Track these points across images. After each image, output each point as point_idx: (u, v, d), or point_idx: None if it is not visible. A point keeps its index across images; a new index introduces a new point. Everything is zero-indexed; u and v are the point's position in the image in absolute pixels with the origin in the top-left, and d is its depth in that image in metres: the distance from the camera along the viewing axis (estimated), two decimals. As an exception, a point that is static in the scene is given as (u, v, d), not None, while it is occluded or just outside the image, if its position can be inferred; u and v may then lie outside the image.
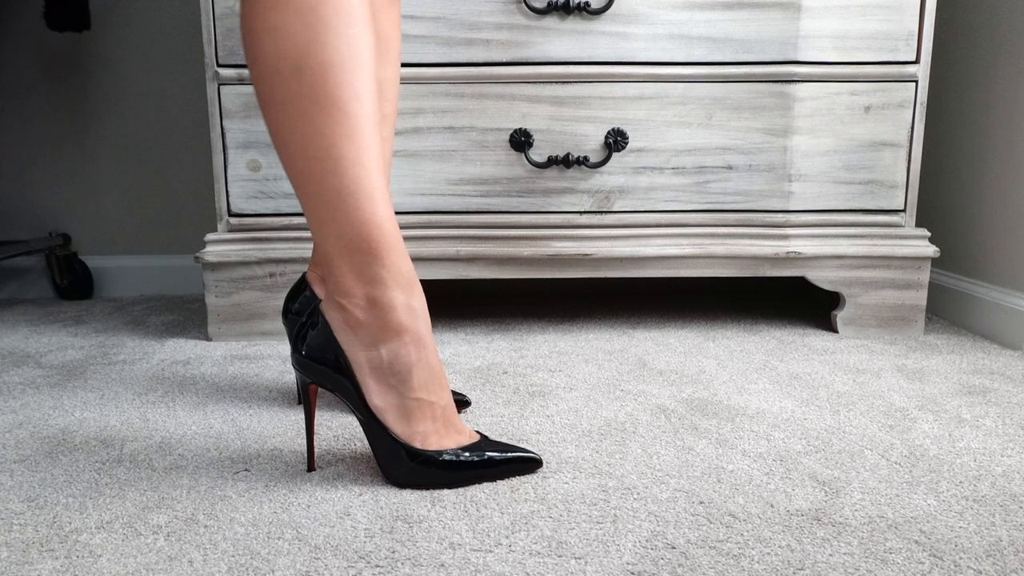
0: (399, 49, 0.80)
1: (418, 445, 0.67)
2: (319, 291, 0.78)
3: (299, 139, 0.64)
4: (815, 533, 0.60)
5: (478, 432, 0.72)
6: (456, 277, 1.17)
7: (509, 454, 0.69)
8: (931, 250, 1.16)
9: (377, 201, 0.65)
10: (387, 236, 0.65)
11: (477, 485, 0.68)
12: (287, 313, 0.79)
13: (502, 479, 0.69)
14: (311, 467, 0.71)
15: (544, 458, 0.74)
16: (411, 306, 0.67)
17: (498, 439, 0.78)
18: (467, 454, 0.68)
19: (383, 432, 0.67)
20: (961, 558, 0.56)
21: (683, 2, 1.11)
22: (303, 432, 0.81)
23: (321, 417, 0.85)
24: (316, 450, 0.76)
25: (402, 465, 0.67)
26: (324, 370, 0.68)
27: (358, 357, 0.67)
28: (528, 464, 0.70)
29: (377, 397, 0.67)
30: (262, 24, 0.62)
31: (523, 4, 1.11)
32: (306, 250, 1.15)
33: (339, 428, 0.82)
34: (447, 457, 0.67)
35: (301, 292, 0.78)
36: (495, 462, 0.69)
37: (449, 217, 1.16)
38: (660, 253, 1.16)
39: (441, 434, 0.68)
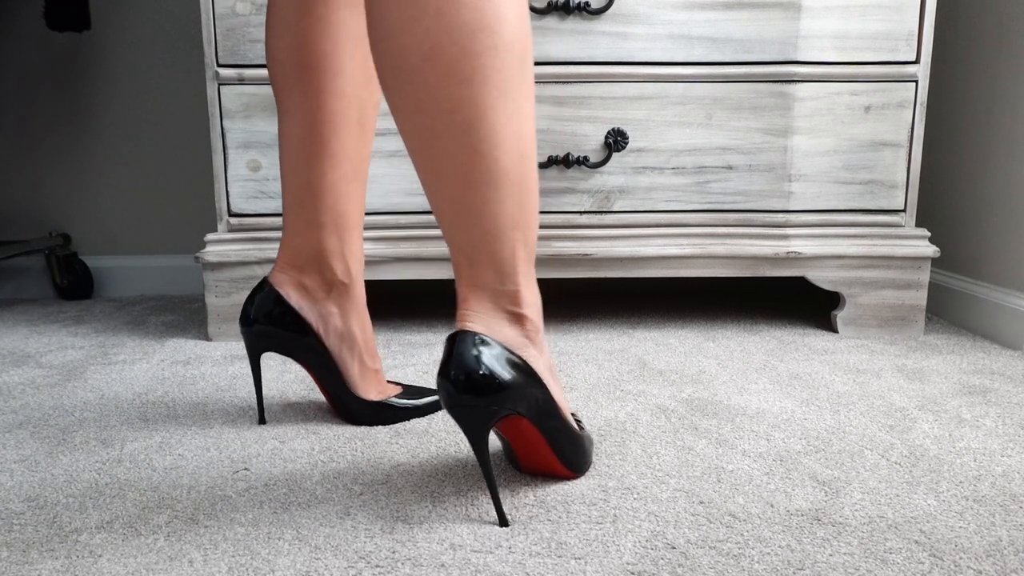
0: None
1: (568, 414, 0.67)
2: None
3: (505, 125, 0.57)
4: (815, 533, 0.60)
5: None
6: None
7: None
8: (931, 250, 1.16)
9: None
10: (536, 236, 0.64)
11: (478, 486, 0.68)
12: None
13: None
14: (503, 522, 0.62)
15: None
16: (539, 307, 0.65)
17: None
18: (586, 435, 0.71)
19: (571, 430, 0.66)
20: (961, 558, 0.56)
21: (683, 2, 1.11)
22: (302, 431, 0.81)
23: (321, 416, 0.85)
24: (315, 449, 0.76)
25: (586, 452, 0.69)
26: (521, 402, 0.60)
27: (540, 364, 0.62)
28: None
29: (560, 397, 0.64)
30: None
31: (523, 4, 1.11)
32: (306, 250, 1.15)
33: (339, 428, 0.82)
34: (585, 433, 0.70)
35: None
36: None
37: (449, 217, 1.16)
38: (660, 253, 1.16)
39: None
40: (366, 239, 1.16)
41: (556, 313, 1.35)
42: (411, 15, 0.54)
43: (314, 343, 0.79)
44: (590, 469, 0.71)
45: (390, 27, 0.56)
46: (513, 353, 0.59)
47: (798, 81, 1.13)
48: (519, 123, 0.57)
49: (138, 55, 1.52)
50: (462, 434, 0.80)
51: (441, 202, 0.59)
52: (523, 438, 0.64)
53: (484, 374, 0.56)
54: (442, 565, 0.56)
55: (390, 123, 1.14)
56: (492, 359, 0.57)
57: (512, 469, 0.71)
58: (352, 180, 0.78)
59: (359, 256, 0.81)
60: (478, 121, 0.56)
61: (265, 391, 0.94)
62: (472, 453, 0.74)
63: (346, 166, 0.77)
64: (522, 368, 0.59)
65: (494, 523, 0.61)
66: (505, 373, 0.57)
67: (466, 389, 0.56)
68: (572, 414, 0.70)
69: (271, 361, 1.07)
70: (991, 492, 0.67)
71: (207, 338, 1.19)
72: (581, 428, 0.70)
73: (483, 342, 0.57)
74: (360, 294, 0.81)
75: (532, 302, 0.62)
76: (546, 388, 0.61)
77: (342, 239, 0.79)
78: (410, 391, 0.87)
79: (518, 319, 0.61)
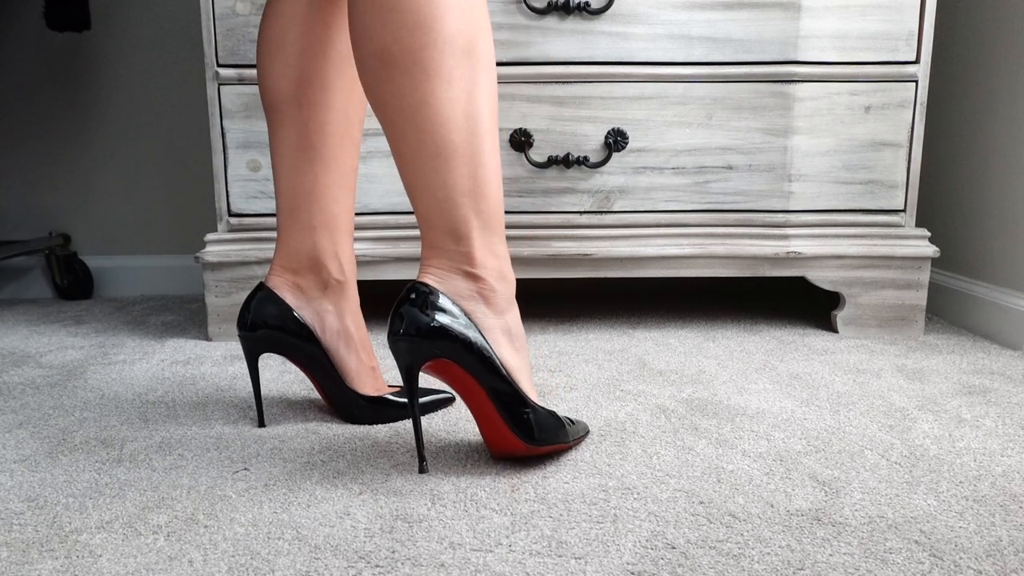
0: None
1: (539, 401, 0.71)
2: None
3: (448, 107, 0.64)
4: (815, 533, 0.60)
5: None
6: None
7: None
8: (931, 250, 1.16)
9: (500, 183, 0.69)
10: (502, 217, 0.70)
11: (477, 484, 0.68)
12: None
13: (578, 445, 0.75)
14: (422, 466, 0.71)
15: (544, 458, 0.74)
16: (511, 279, 0.70)
17: None
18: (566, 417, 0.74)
19: (522, 397, 0.68)
20: (961, 558, 0.56)
21: (683, 2, 1.11)
22: (302, 431, 0.81)
23: (321, 416, 0.85)
24: (315, 449, 0.76)
25: (538, 421, 0.69)
26: (451, 345, 0.66)
27: (490, 323, 0.67)
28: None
29: (511, 360, 0.68)
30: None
31: (523, 4, 1.11)
32: (306, 250, 1.15)
33: (339, 428, 0.82)
34: (560, 415, 0.73)
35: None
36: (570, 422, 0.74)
37: (449, 217, 1.16)
38: (660, 253, 1.16)
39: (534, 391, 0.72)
40: (366, 239, 1.16)
41: (556, 313, 1.35)
42: (367, 25, 0.64)
43: (312, 343, 0.80)
44: (589, 467, 0.71)
45: (356, 40, 0.66)
46: (456, 304, 0.66)
47: (798, 81, 1.13)
48: (467, 105, 0.65)
49: (138, 55, 1.52)
50: (462, 434, 0.80)
51: (405, 178, 0.68)
52: (468, 393, 0.68)
53: (420, 315, 0.65)
54: (442, 564, 0.56)
55: (390, 123, 1.14)
56: (430, 304, 0.65)
57: (507, 466, 0.71)
58: (342, 185, 0.82)
59: (351, 256, 0.84)
60: (422, 105, 0.64)
61: (265, 391, 0.94)
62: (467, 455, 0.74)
63: (337, 171, 0.81)
64: (459, 318, 0.66)
65: (494, 522, 0.61)
66: (441, 318, 0.65)
67: (402, 326, 0.65)
68: (568, 419, 0.74)
69: (271, 361, 1.07)
70: (991, 492, 0.67)
71: (207, 338, 1.19)
72: (572, 423, 0.75)
73: (428, 290, 0.66)
74: (354, 293, 0.84)
75: (492, 266, 0.68)
76: (486, 344, 0.66)
77: (335, 240, 0.82)
78: None
79: (471, 277, 0.67)
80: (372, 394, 0.83)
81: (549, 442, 0.71)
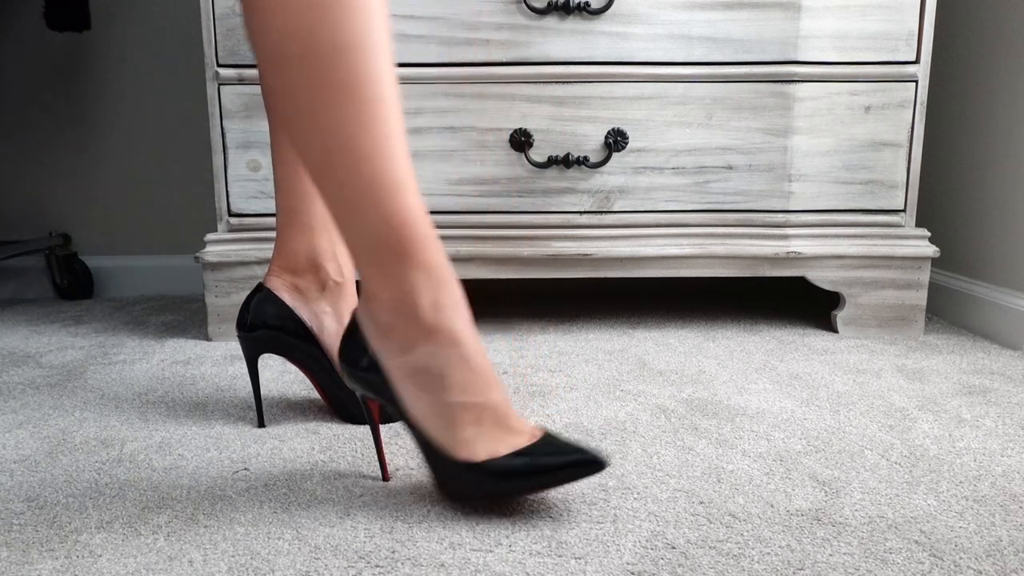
0: None
1: (464, 454, 0.60)
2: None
3: (313, 131, 0.59)
4: (815, 533, 0.60)
5: (541, 429, 0.64)
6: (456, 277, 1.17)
7: (566, 458, 0.60)
8: (931, 250, 1.16)
9: (402, 194, 0.60)
10: (413, 230, 0.60)
11: (477, 485, 0.68)
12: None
13: (566, 483, 0.61)
14: (385, 477, 0.69)
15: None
16: (439, 303, 0.61)
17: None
18: (520, 460, 0.60)
19: (427, 443, 0.62)
20: (961, 558, 0.56)
21: (683, 2, 1.11)
22: (302, 431, 0.81)
23: (321, 416, 0.85)
24: (315, 449, 0.76)
25: (450, 476, 0.62)
26: (373, 379, 0.64)
27: (391, 364, 0.62)
28: (588, 467, 0.60)
29: (414, 406, 0.62)
30: (263, 3, 0.58)
31: (523, 4, 1.11)
32: (306, 250, 1.15)
33: (339, 428, 0.82)
34: (496, 466, 0.60)
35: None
36: (550, 468, 0.60)
37: (449, 217, 1.16)
38: (660, 253, 1.16)
39: (491, 438, 0.61)
40: (366, 239, 1.16)
41: (556, 313, 1.35)
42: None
43: (311, 343, 0.80)
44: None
45: None
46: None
47: (798, 81, 1.13)
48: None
49: (138, 55, 1.52)
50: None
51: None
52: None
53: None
54: (442, 564, 0.56)
55: (390, 123, 1.14)
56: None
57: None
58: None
59: (349, 258, 0.82)
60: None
61: (265, 391, 0.94)
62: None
63: None
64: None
65: (494, 522, 0.61)
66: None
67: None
68: (545, 432, 0.64)
69: (271, 361, 1.07)
70: (991, 492, 0.67)
71: (207, 338, 1.19)
72: (549, 439, 0.63)
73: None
74: (352, 293, 0.82)
75: (385, 298, 0.62)
76: (390, 388, 0.63)
77: (333, 241, 0.81)
78: None
79: (368, 313, 0.64)
80: None
81: (466, 492, 0.63)
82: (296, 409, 0.88)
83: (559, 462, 0.60)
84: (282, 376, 1.00)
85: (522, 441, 0.62)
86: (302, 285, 0.81)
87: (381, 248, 0.61)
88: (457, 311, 0.62)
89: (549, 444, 0.62)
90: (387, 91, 0.59)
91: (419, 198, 0.61)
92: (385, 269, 0.61)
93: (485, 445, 0.61)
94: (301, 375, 1.00)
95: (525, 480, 0.60)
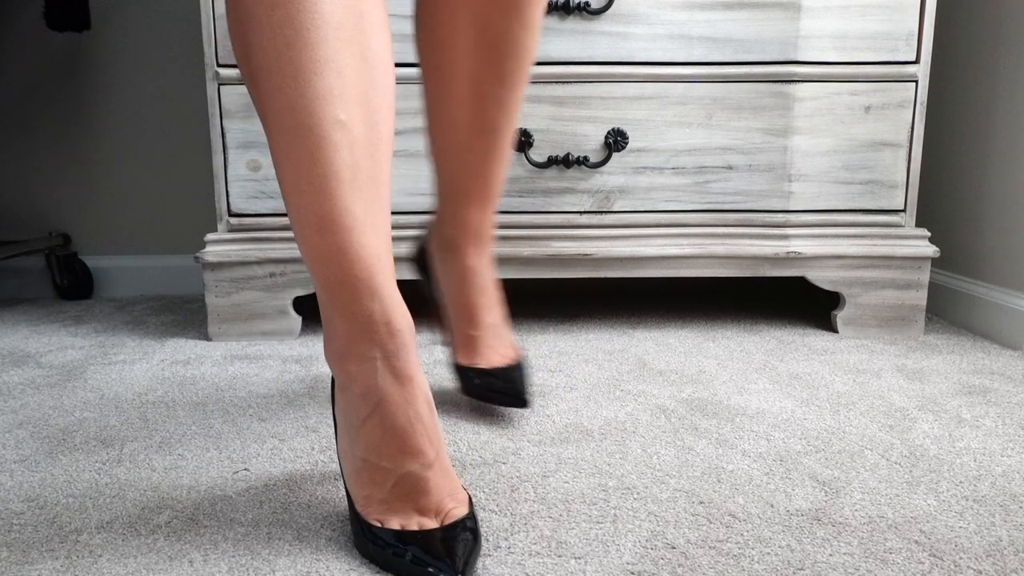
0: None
1: (359, 507, 0.57)
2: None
3: (275, 159, 0.56)
4: (815, 533, 0.60)
5: (466, 520, 0.56)
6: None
7: (417, 568, 0.53)
8: (931, 250, 1.16)
9: (330, 232, 0.54)
10: (340, 272, 0.54)
11: (477, 485, 0.68)
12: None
13: None
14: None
15: (544, 458, 0.74)
16: (365, 355, 0.56)
17: (497, 457, 0.78)
18: (393, 548, 0.54)
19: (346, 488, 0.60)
20: (961, 558, 0.56)
21: (683, 2, 1.11)
22: (302, 431, 0.81)
23: (321, 415, 0.85)
24: (315, 449, 0.76)
25: (350, 514, 0.59)
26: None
27: (337, 397, 0.60)
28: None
29: (341, 441, 0.59)
30: (230, 22, 0.56)
31: (523, 4, 1.11)
32: (306, 250, 1.15)
33: (339, 428, 0.82)
34: (371, 535, 0.56)
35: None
36: (397, 569, 0.54)
37: (449, 217, 1.16)
38: (660, 253, 1.16)
39: (390, 506, 0.56)
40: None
41: (556, 313, 1.35)
42: None
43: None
44: (589, 467, 0.71)
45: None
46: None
47: (798, 81, 1.13)
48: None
49: (138, 55, 1.52)
50: (461, 433, 0.80)
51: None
52: None
53: None
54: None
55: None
56: None
57: (506, 467, 0.71)
58: (464, 149, 0.80)
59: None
60: None
61: (265, 391, 0.94)
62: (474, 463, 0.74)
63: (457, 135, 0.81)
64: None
65: (494, 523, 0.61)
66: None
67: None
68: (459, 520, 0.56)
69: (271, 361, 1.07)
70: (991, 492, 0.67)
71: (207, 338, 1.19)
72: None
73: None
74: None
75: (327, 336, 0.61)
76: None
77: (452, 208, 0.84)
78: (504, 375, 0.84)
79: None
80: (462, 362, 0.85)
81: (359, 547, 0.57)
82: (296, 409, 0.88)
83: (408, 572, 0.54)
84: (282, 376, 1.00)
85: (428, 524, 0.55)
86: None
87: (320, 286, 0.57)
88: (389, 364, 0.56)
89: (432, 542, 0.54)
90: (323, 119, 0.53)
91: (358, 235, 0.54)
92: (322, 309, 0.58)
93: (381, 511, 0.56)
94: (301, 375, 1.00)
95: (379, 562, 0.55)
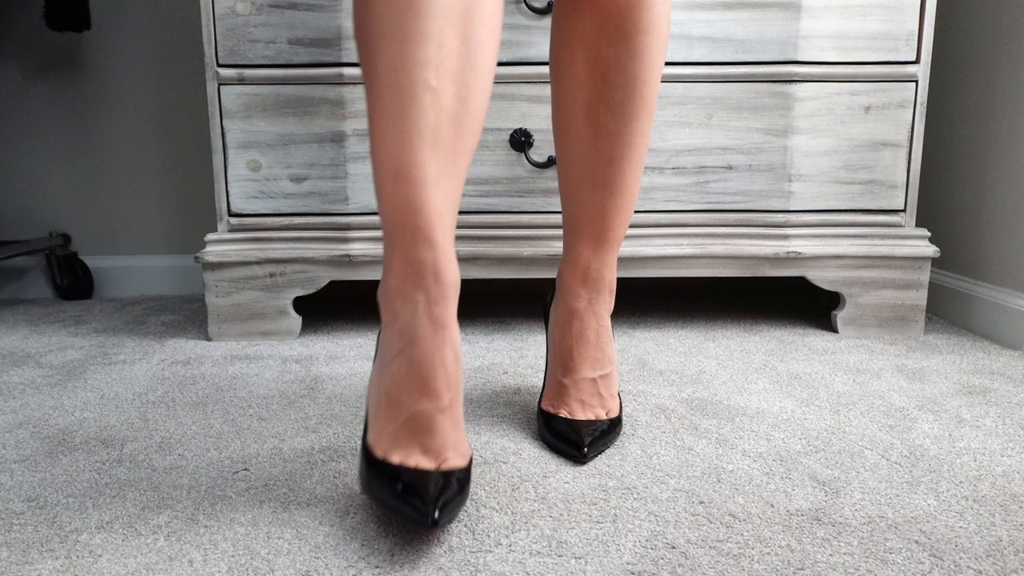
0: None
1: (370, 438, 0.61)
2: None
3: (369, 114, 0.62)
4: (815, 533, 0.60)
5: (458, 471, 0.59)
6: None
7: (400, 502, 0.56)
8: (931, 250, 1.16)
9: (403, 182, 0.59)
10: (405, 220, 0.59)
11: (477, 484, 0.68)
12: None
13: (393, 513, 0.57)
14: None
15: (545, 457, 0.74)
16: (410, 297, 0.60)
17: (499, 455, 0.78)
18: (389, 476, 0.57)
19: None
20: (961, 558, 0.56)
21: (683, 2, 1.11)
22: (302, 431, 0.81)
23: (321, 416, 0.85)
24: (315, 448, 0.76)
25: (361, 451, 0.62)
26: None
27: (380, 334, 0.65)
28: (412, 518, 0.55)
29: (373, 375, 0.63)
30: None
31: (523, 4, 1.11)
32: (306, 250, 1.15)
33: (339, 427, 0.82)
34: (375, 467, 0.59)
35: None
36: (383, 500, 0.57)
37: (449, 217, 1.16)
38: (660, 253, 1.16)
39: (396, 441, 0.59)
40: (365, 239, 1.16)
41: (556, 313, 1.35)
42: None
43: None
44: (589, 467, 0.71)
45: None
46: None
47: (798, 81, 1.13)
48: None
49: (138, 55, 1.52)
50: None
51: None
52: None
53: None
54: (440, 568, 0.56)
55: (390, 123, 1.14)
56: None
57: (507, 466, 0.71)
58: (580, 183, 0.80)
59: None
60: None
61: (265, 391, 0.94)
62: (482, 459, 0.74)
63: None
64: None
65: (494, 522, 0.61)
66: None
67: None
68: (455, 468, 0.60)
69: (271, 361, 1.07)
70: (991, 492, 0.67)
71: (207, 338, 1.19)
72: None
73: None
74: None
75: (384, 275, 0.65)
76: None
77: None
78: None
79: None
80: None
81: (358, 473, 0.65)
82: (296, 409, 0.88)
83: (391, 502, 0.57)
84: (282, 376, 1.00)
85: (423, 464, 0.58)
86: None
87: (383, 227, 0.62)
88: (430, 309, 0.60)
89: (421, 481, 0.57)
90: (403, 79, 0.59)
91: (418, 189, 0.59)
92: (384, 251, 0.63)
93: (386, 441, 0.59)
94: (302, 375, 1.00)
95: (371, 494, 0.58)
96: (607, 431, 0.76)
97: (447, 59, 0.59)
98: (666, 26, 0.74)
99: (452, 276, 0.61)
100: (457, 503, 0.57)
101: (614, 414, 0.78)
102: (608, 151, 0.76)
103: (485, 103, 0.63)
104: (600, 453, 0.75)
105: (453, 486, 0.58)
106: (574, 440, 0.73)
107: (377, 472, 0.58)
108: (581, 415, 0.77)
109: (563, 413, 0.77)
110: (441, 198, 0.60)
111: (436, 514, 0.54)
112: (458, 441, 0.61)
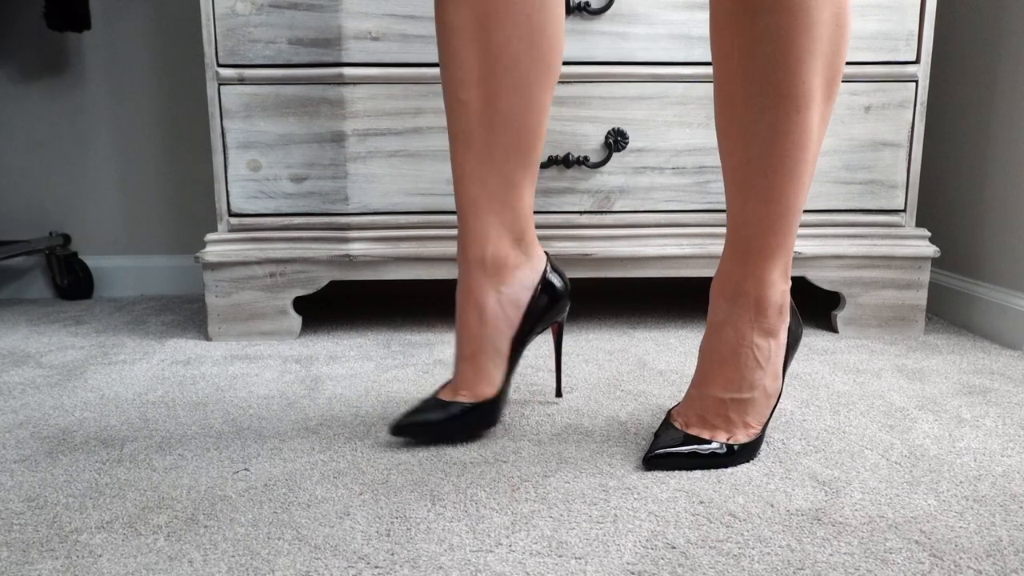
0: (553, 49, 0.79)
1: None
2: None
3: None
4: (815, 533, 0.60)
5: (458, 408, 0.76)
6: (457, 277, 1.17)
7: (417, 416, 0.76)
8: (931, 250, 1.16)
9: (455, 175, 0.77)
10: (457, 202, 0.77)
11: (477, 484, 0.68)
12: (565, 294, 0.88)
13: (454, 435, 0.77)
14: (559, 394, 0.91)
15: (545, 457, 0.74)
16: (459, 265, 0.78)
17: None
18: (440, 398, 0.77)
19: None
20: (961, 558, 0.56)
21: (683, 2, 1.11)
22: (302, 431, 0.81)
23: (321, 416, 0.85)
24: (315, 449, 0.76)
25: None
26: None
27: None
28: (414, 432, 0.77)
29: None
30: None
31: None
32: (306, 250, 1.15)
33: (339, 427, 0.82)
34: (431, 400, 0.78)
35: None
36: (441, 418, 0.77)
37: (449, 217, 1.16)
38: (660, 253, 1.16)
39: (465, 373, 0.77)
40: (366, 239, 1.16)
41: (556, 313, 1.35)
42: None
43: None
44: (589, 467, 0.71)
45: None
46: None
47: (798, 81, 1.13)
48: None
49: (138, 55, 1.52)
50: (461, 434, 0.80)
51: None
52: None
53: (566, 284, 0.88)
54: (441, 566, 0.56)
55: (391, 123, 1.14)
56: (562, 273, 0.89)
57: (507, 466, 0.71)
58: (729, 185, 0.77)
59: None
60: None
61: (264, 391, 0.94)
62: (469, 453, 0.75)
63: None
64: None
65: (494, 522, 0.61)
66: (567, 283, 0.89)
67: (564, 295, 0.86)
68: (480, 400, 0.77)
69: (271, 361, 1.07)
70: (991, 492, 0.67)
71: (207, 338, 1.19)
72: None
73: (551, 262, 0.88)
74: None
75: None
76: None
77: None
78: None
79: None
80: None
81: None
82: (296, 409, 0.88)
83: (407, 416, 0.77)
84: (283, 376, 1.00)
85: (443, 396, 0.78)
86: None
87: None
88: (461, 276, 0.78)
89: (426, 405, 0.78)
90: (461, 95, 0.75)
91: (467, 184, 0.76)
92: None
93: (459, 370, 0.78)
94: (302, 375, 1.00)
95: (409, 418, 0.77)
96: (712, 456, 0.70)
97: (468, 73, 0.73)
98: (825, 8, 0.62)
99: (475, 252, 0.76)
100: (444, 427, 0.76)
101: (739, 442, 0.71)
102: (743, 151, 0.68)
103: (511, 96, 0.74)
104: (685, 470, 0.71)
105: (438, 412, 0.76)
106: (664, 450, 0.71)
107: (419, 409, 0.78)
108: (697, 430, 0.72)
109: (678, 423, 0.74)
110: (476, 188, 0.75)
111: (400, 423, 0.76)
112: (475, 383, 0.77)
